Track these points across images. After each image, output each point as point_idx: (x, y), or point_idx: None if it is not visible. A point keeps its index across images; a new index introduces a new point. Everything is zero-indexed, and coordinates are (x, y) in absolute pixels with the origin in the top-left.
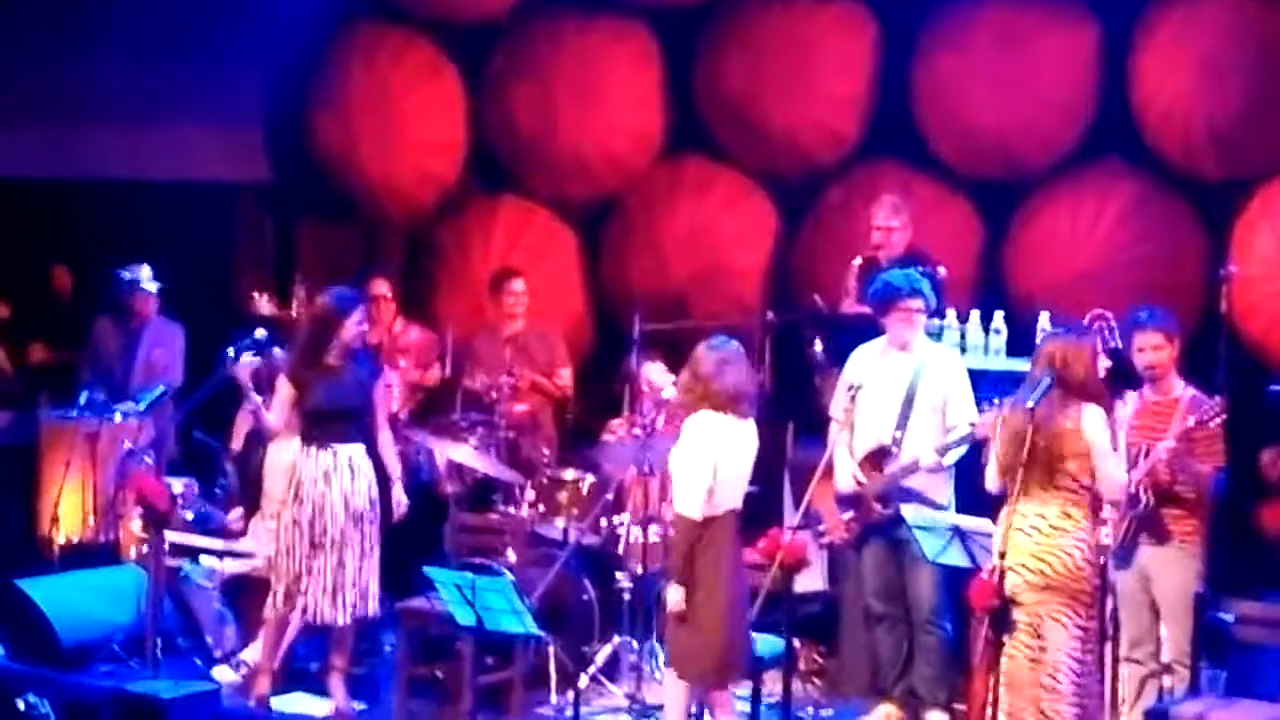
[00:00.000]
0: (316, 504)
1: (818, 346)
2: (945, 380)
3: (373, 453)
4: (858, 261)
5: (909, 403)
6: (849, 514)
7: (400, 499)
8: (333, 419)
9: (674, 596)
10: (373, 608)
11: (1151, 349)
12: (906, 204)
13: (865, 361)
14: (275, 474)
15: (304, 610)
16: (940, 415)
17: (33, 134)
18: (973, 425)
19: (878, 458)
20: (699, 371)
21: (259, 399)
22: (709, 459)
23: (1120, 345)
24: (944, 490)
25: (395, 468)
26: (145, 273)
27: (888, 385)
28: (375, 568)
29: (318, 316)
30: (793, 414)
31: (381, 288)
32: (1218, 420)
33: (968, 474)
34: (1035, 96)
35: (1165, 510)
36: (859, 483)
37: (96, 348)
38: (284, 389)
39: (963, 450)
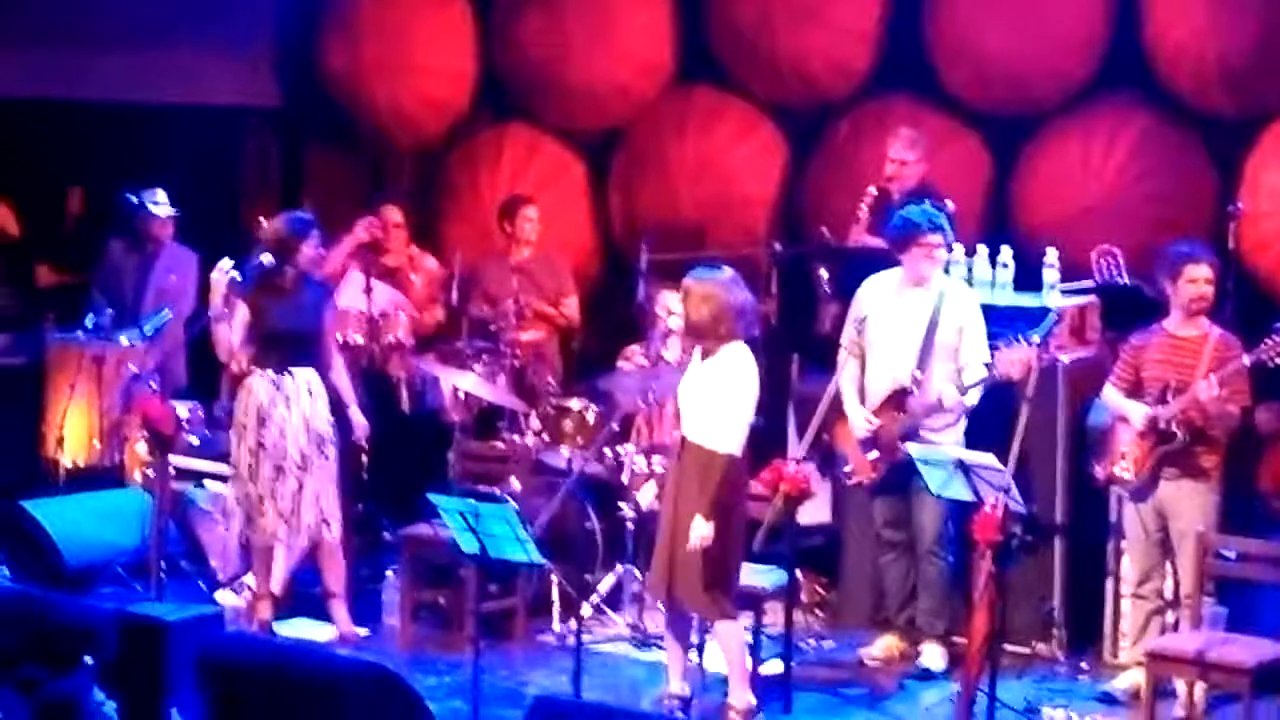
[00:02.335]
0: (279, 427)
1: (824, 274)
2: (961, 317)
3: (325, 379)
4: (873, 190)
5: (929, 340)
6: (874, 454)
7: (358, 420)
8: (286, 342)
9: (705, 531)
10: (336, 531)
11: (1204, 281)
12: (921, 138)
13: (877, 294)
14: None
15: (264, 532)
16: (955, 353)
17: (42, 56)
18: (987, 365)
19: (899, 398)
20: (729, 304)
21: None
22: (753, 393)
23: (1127, 281)
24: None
25: (349, 393)
26: (160, 197)
27: (906, 322)
28: (335, 491)
29: (271, 239)
30: (797, 345)
31: (394, 214)
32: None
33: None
34: (1047, 29)
35: (1192, 447)
36: (880, 426)
37: (108, 270)
38: (241, 311)
39: (981, 390)
